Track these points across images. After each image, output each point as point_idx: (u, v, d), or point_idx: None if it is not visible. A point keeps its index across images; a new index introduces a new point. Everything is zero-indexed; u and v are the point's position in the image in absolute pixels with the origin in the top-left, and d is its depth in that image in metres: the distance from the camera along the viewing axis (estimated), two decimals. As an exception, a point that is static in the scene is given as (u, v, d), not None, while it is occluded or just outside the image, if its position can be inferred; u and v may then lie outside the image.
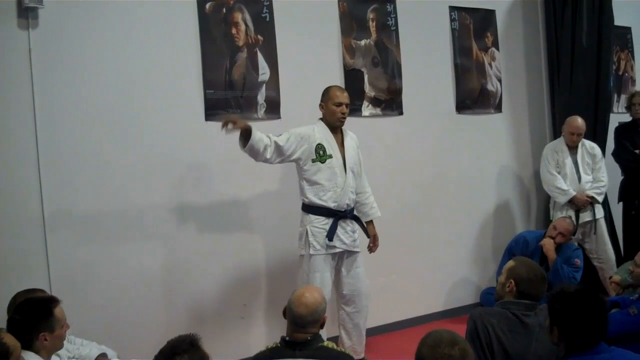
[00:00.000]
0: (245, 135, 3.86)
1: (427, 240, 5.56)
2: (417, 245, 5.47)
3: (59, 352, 2.98)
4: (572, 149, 5.60)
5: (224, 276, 4.60)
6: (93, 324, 3.82)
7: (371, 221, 4.48)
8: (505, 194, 6.16)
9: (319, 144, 4.15)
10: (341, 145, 4.26)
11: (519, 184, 6.27)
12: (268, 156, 3.97)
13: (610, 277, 4.74)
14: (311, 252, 4.15)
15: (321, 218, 4.16)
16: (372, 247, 4.49)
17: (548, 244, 4.86)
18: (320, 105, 4.27)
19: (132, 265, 4.23)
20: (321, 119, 4.27)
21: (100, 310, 4.05)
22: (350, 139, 4.33)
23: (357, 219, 4.36)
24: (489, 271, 5.82)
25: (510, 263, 3.13)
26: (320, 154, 4.14)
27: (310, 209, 4.19)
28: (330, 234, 4.14)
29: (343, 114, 4.21)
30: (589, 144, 5.67)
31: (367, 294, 4.42)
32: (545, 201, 6.17)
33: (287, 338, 2.72)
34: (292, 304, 2.76)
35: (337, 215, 4.18)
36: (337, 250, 4.21)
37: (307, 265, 4.18)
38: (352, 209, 4.31)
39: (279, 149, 4.00)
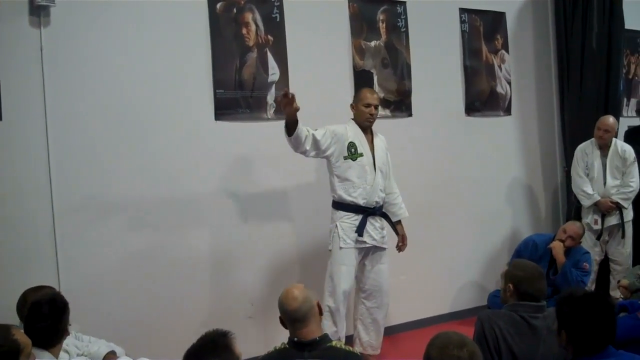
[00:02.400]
0: (291, 125, 3.93)
1: (435, 242, 5.55)
2: (426, 247, 5.44)
3: (68, 349, 3.00)
4: (603, 150, 5.47)
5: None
6: (100, 324, 3.83)
7: (399, 221, 4.59)
8: (515, 196, 6.15)
9: (350, 142, 4.26)
10: (371, 144, 4.35)
11: (528, 186, 6.26)
12: (308, 147, 4.06)
13: (619, 281, 4.72)
14: (341, 245, 4.22)
15: (351, 214, 4.26)
16: (401, 246, 4.60)
17: (557, 247, 4.84)
18: (351, 105, 4.40)
19: (140, 264, 4.24)
20: (352, 119, 4.38)
21: (107, 310, 4.06)
22: (379, 140, 4.45)
23: (385, 216, 4.46)
24: (497, 274, 5.76)
25: (506, 269, 3.17)
26: (352, 152, 4.24)
27: (340, 205, 4.29)
28: (360, 230, 4.23)
29: (372, 114, 4.33)
30: (621, 146, 5.48)
31: (387, 291, 4.49)
32: (555, 203, 6.15)
33: (295, 339, 2.69)
34: (283, 305, 2.71)
35: (367, 211, 4.27)
36: (367, 245, 4.29)
37: (335, 258, 4.26)
38: (381, 207, 4.40)
39: (316, 142, 4.09)
